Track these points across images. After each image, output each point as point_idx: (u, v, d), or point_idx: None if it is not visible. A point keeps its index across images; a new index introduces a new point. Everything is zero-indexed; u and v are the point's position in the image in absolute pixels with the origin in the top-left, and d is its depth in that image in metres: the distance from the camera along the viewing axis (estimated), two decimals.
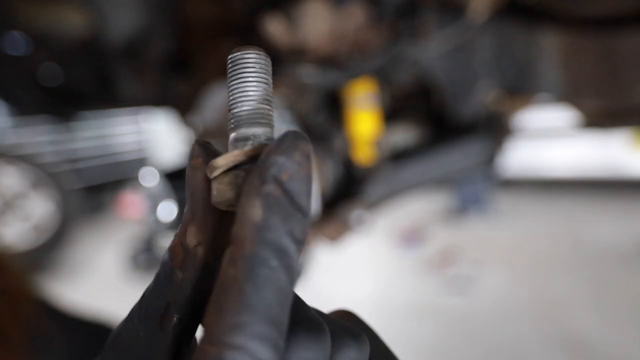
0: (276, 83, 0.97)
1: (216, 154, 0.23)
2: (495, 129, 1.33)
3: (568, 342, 2.17)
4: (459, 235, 3.68)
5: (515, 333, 2.28)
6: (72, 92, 1.48)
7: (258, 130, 0.24)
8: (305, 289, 0.26)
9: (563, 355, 2.08)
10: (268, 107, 0.25)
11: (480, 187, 4.05)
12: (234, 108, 0.25)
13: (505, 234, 3.64)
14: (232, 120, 0.25)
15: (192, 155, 0.23)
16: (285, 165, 0.20)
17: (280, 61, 1.10)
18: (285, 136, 0.21)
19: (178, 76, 1.46)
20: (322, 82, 1.06)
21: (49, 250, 3.51)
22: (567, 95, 1.35)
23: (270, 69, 0.26)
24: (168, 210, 0.81)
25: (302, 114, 1.05)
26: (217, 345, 0.17)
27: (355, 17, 1.06)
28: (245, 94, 0.25)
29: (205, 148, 0.23)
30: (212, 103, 0.94)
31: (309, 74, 1.04)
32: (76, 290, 3.15)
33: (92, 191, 4.83)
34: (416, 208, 4.04)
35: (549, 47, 1.32)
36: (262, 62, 0.26)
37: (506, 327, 2.34)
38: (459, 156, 1.28)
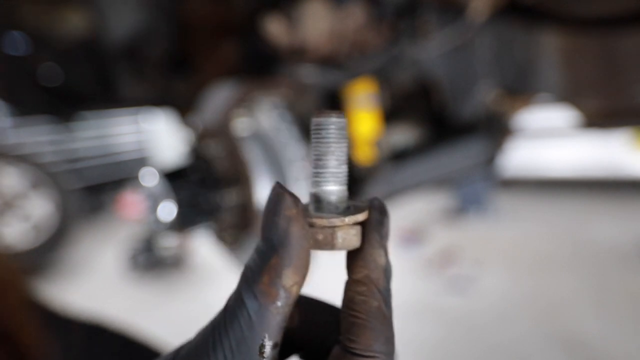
0: (276, 83, 0.97)
1: (297, 199, 0.27)
2: (495, 129, 1.33)
3: (568, 342, 2.17)
4: (459, 235, 3.68)
5: (515, 333, 2.28)
6: (72, 92, 1.48)
7: (336, 188, 0.30)
8: (306, 289, 0.29)
9: (563, 355, 2.08)
10: (342, 166, 0.31)
11: (480, 187, 4.05)
12: (317, 167, 0.30)
13: (505, 234, 3.64)
14: (316, 177, 0.30)
15: (285, 207, 0.26)
16: (386, 224, 0.30)
17: (280, 61, 1.10)
18: (377, 201, 0.31)
19: (178, 76, 1.46)
20: (322, 82, 1.06)
21: (48, 250, 3.51)
22: (567, 95, 1.35)
23: (345, 129, 0.31)
24: (168, 210, 0.81)
25: (302, 114, 1.05)
26: (381, 354, 0.26)
27: (355, 17, 1.06)
28: (328, 156, 0.30)
29: (293, 198, 0.27)
30: (212, 103, 0.94)
31: (309, 74, 1.04)
32: (76, 290, 3.15)
33: (92, 191, 4.83)
34: (416, 208, 4.04)
35: (549, 47, 1.32)
36: (343, 126, 0.30)
37: (506, 327, 2.34)
38: (459, 156, 1.28)
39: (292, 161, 0.90)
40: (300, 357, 0.33)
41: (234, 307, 0.26)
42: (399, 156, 1.22)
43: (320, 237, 0.28)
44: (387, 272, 0.29)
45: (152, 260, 3.33)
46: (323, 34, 1.04)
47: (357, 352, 0.26)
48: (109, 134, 5.43)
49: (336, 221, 0.28)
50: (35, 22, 1.33)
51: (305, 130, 1.02)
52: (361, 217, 0.29)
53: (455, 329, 2.38)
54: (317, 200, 0.30)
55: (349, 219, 0.29)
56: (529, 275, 2.89)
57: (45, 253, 3.49)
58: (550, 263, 3.03)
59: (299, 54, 1.07)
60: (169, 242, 3.36)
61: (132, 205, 4.42)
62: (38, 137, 4.41)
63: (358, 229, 0.29)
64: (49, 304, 0.73)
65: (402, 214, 3.81)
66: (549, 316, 2.40)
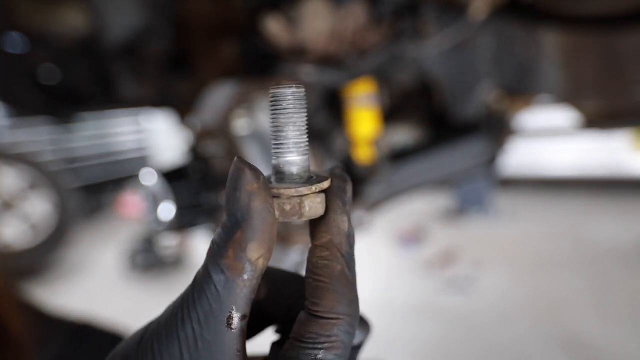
0: (276, 83, 0.97)
1: (258, 173, 0.27)
2: (496, 129, 1.33)
3: (568, 342, 2.17)
4: (459, 235, 3.68)
5: (515, 333, 2.28)
6: (71, 92, 1.47)
7: (298, 159, 0.30)
8: (273, 262, 0.30)
9: (563, 355, 2.08)
10: (304, 137, 0.31)
11: (481, 187, 4.05)
12: (278, 139, 0.30)
13: (505, 234, 3.63)
14: (276, 149, 0.30)
15: (246, 181, 0.26)
16: (348, 191, 0.31)
17: (280, 61, 1.10)
18: (338, 169, 0.32)
19: (178, 76, 1.45)
20: (322, 82, 1.06)
21: (47, 250, 3.50)
22: (568, 96, 1.35)
23: (304, 99, 0.31)
24: (167, 210, 0.81)
25: None
26: (345, 315, 0.27)
27: (356, 17, 1.06)
28: (285, 126, 0.30)
29: (254, 171, 0.27)
30: (212, 103, 0.94)
31: (309, 74, 1.04)
32: (75, 290, 3.15)
33: (92, 191, 4.83)
34: (416, 208, 4.04)
35: (550, 46, 1.32)
36: (299, 94, 0.30)
37: (506, 327, 2.34)
38: (459, 156, 1.28)
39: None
40: (275, 329, 0.33)
41: (202, 282, 0.26)
42: (399, 156, 1.21)
43: (287, 207, 0.28)
44: (350, 237, 0.29)
45: (151, 260, 3.33)
46: (323, 33, 1.04)
47: (321, 314, 0.27)
48: (108, 133, 5.43)
49: (303, 190, 0.28)
50: (34, 21, 1.33)
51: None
52: (326, 184, 0.30)
53: (455, 329, 2.38)
54: (280, 171, 0.31)
55: (315, 187, 0.29)
56: (529, 275, 2.89)
57: (44, 253, 3.49)
58: (550, 263, 3.03)
59: (299, 53, 1.07)
60: (168, 242, 3.36)
61: (131, 205, 4.42)
62: (37, 137, 4.41)
63: (322, 197, 0.30)
64: (38, 304, 0.73)
65: (402, 214, 3.81)
66: (549, 316, 2.40)
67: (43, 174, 3.54)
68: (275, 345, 0.31)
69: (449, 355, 2.20)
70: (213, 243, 0.27)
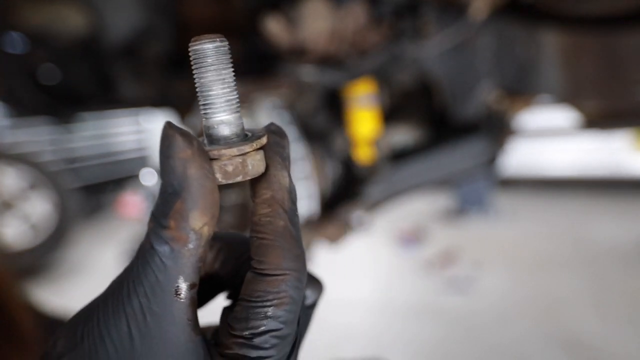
0: (276, 83, 0.97)
1: (190, 137, 0.26)
2: (496, 129, 1.33)
3: (568, 342, 2.17)
4: (459, 235, 3.68)
5: (515, 333, 2.28)
6: (71, 93, 1.47)
7: (230, 117, 0.29)
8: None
9: (563, 355, 2.08)
10: (234, 93, 0.29)
11: (481, 187, 4.05)
12: (204, 98, 0.28)
13: (505, 234, 3.63)
14: (203, 109, 0.29)
15: (178, 148, 0.25)
16: (286, 146, 0.30)
17: (280, 61, 1.10)
18: (274, 125, 0.30)
19: (178, 76, 1.45)
20: (322, 82, 1.06)
21: (47, 250, 3.50)
22: (568, 96, 1.35)
23: (229, 53, 0.28)
24: None
25: (302, 113, 1.04)
26: (291, 270, 0.26)
27: (356, 17, 1.06)
28: (210, 83, 0.28)
29: (186, 137, 0.26)
30: None
31: (309, 74, 1.04)
32: (75, 290, 3.14)
33: (92, 191, 4.82)
34: (416, 208, 4.04)
35: (550, 46, 1.32)
36: (222, 49, 0.28)
37: (506, 327, 2.34)
38: (459, 156, 1.28)
39: (292, 160, 0.89)
40: (226, 295, 0.33)
41: (145, 255, 0.26)
42: (399, 156, 1.21)
43: (230, 168, 0.27)
44: (291, 192, 0.29)
45: None
46: (323, 33, 1.04)
47: (267, 272, 0.26)
48: (108, 133, 5.43)
49: (245, 148, 0.27)
50: (33, 21, 1.32)
51: (306, 130, 1.02)
52: (264, 140, 0.29)
53: (455, 329, 2.38)
54: (212, 132, 0.29)
55: (256, 144, 0.28)
56: (529, 275, 2.89)
57: (44, 253, 3.49)
58: (550, 263, 3.03)
59: (299, 53, 1.07)
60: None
61: (131, 205, 4.42)
62: (37, 137, 4.41)
63: (262, 153, 0.29)
64: (37, 304, 0.73)
65: (402, 214, 3.81)
66: (549, 316, 2.40)
67: (43, 174, 3.54)
68: (226, 310, 0.30)
69: (449, 355, 2.20)
70: (153, 215, 0.26)
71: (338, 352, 2.14)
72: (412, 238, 3.54)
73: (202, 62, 0.28)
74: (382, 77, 1.16)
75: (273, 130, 0.30)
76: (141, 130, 5.77)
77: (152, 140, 5.83)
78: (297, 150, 0.94)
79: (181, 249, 0.25)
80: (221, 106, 0.28)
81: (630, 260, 2.94)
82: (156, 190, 0.82)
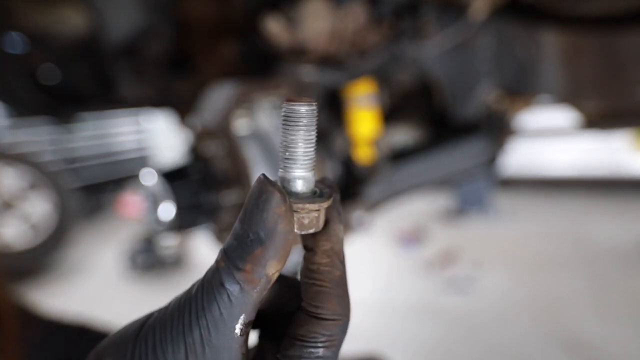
0: (276, 83, 0.97)
1: (284, 195, 0.28)
2: (496, 129, 1.33)
3: (568, 342, 2.17)
4: (459, 235, 3.68)
5: (515, 333, 2.28)
6: (71, 93, 1.47)
7: (304, 174, 0.31)
8: None
9: (563, 355, 2.08)
10: (314, 152, 0.32)
11: (481, 187, 4.05)
12: (288, 154, 0.31)
13: (505, 234, 3.63)
14: (285, 163, 0.31)
15: (274, 204, 0.27)
16: (340, 202, 0.33)
17: (280, 61, 1.09)
18: (328, 181, 0.34)
19: (178, 76, 1.45)
20: (322, 82, 1.06)
21: (47, 250, 3.50)
22: (568, 96, 1.35)
23: (316, 117, 0.31)
24: (167, 210, 0.81)
25: None
26: (343, 316, 0.30)
27: (356, 17, 1.06)
28: (297, 142, 0.31)
29: (282, 194, 0.28)
30: (212, 103, 0.94)
31: (309, 74, 1.04)
32: (75, 291, 3.14)
33: (92, 191, 4.82)
34: (416, 208, 4.04)
35: (550, 46, 1.32)
36: (312, 112, 0.31)
37: (506, 327, 2.34)
38: (460, 156, 1.28)
39: None
40: (259, 328, 0.35)
41: (213, 290, 0.27)
42: (399, 156, 1.21)
43: (306, 221, 0.30)
44: (343, 245, 0.32)
45: (151, 260, 3.33)
46: (323, 33, 1.04)
47: (324, 316, 0.29)
48: (108, 133, 5.43)
49: (323, 204, 0.30)
50: (33, 21, 1.32)
51: None
52: (334, 198, 0.32)
53: (455, 329, 2.38)
54: (287, 184, 0.32)
55: (329, 202, 0.31)
56: (529, 275, 2.89)
57: (44, 253, 3.49)
58: (550, 263, 3.03)
59: (299, 53, 1.07)
60: (168, 242, 3.36)
61: (131, 205, 4.42)
62: (37, 137, 4.41)
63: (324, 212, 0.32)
64: (33, 306, 0.73)
65: (402, 214, 3.81)
66: (549, 316, 2.40)
67: (43, 174, 3.54)
68: (268, 344, 0.33)
69: (449, 355, 2.20)
70: (227, 254, 0.28)
71: None
72: (412, 238, 3.54)
73: (294, 122, 0.30)
74: (382, 77, 1.16)
75: (328, 186, 0.33)
76: (141, 130, 5.77)
77: (152, 140, 5.83)
78: None
79: (250, 291, 0.27)
80: (302, 164, 0.31)
81: (630, 260, 2.94)
82: (156, 190, 0.82)
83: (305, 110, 0.30)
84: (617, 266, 2.88)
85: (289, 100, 0.30)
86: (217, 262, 0.28)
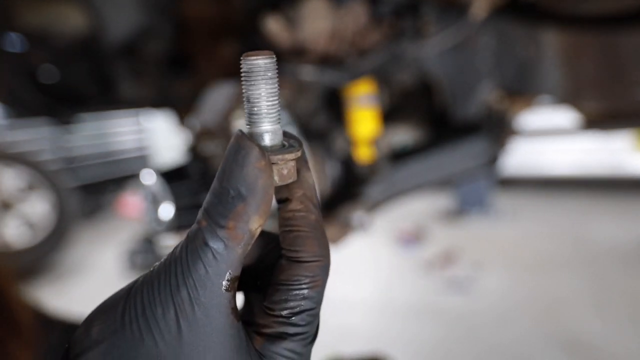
0: (246, 54, 0.97)
1: (263, 151, 0.29)
2: (496, 129, 1.33)
3: (568, 342, 2.17)
4: (459, 235, 3.68)
5: (515, 333, 2.28)
6: (71, 93, 1.47)
7: (272, 127, 0.31)
8: None
9: (563, 355, 2.08)
10: (278, 106, 0.32)
11: (481, 187, 4.05)
12: (252, 108, 0.31)
13: (506, 234, 3.63)
14: (250, 119, 0.32)
15: (254, 159, 0.28)
16: (307, 151, 0.32)
17: (281, 61, 1.09)
18: (289, 132, 0.33)
19: (178, 76, 1.45)
20: (322, 82, 1.05)
21: (46, 250, 3.50)
22: (568, 96, 1.35)
23: (276, 69, 0.32)
24: (167, 210, 0.81)
25: (302, 113, 1.04)
26: (323, 257, 0.31)
27: (356, 17, 1.06)
28: (260, 96, 0.31)
29: (260, 149, 0.28)
30: (211, 103, 0.93)
31: (309, 74, 1.04)
32: (74, 291, 3.14)
33: (92, 191, 4.82)
34: (416, 208, 4.04)
35: (550, 46, 1.32)
36: (272, 65, 0.31)
37: (506, 327, 2.34)
38: (460, 156, 1.28)
39: None
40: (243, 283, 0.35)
41: (197, 249, 0.27)
42: (399, 156, 1.21)
43: (284, 171, 0.31)
44: (315, 191, 0.33)
45: (151, 260, 3.33)
46: (323, 33, 1.04)
47: (304, 259, 0.30)
48: (107, 133, 5.43)
49: (298, 154, 0.32)
50: (33, 21, 1.32)
51: (306, 130, 1.02)
52: (300, 153, 0.33)
53: (455, 329, 2.38)
54: (257, 139, 0.32)
55: (300, 152, 0.32)
56: (529, 275, 2.89)
57: (43, 253, 3.48)
58: (550, 263, 3.03)
59: (299, 53, 1.06)
60: (168, 242, 3.35)
61: (131, 205, 4.42)
62: (36, 137, 4.41)
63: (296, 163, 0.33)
64: (35, 304, 0.73)
65: (402, 214, 3.81)
66: (549, 316, 2.40)
67: (42, 174, 3.54)
68: (254, 294, 0.34)
69: (449, 355, 2.20)
70: (208, 212, 0.28)
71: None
72: (412, 238, 3.54)
73: (253, 76, 0.31)
74: (382, 77, 1.15)
75: (292, 137, 0.34)
76: (141, 130, 5.77)
77: (152, 140, 5.83)
78: None
79: (235, 247, 0.27)
80: (267, 117, 0.31)
81: (630, 260, 2.94)
82: (156, 190, 0.82)
83: (265, 63, 0.31)
84: (617, 266, 2.88)
85: (246, 55, 0.31)
86: (198, 221, 0.28)
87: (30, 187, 3.47)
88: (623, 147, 4.48)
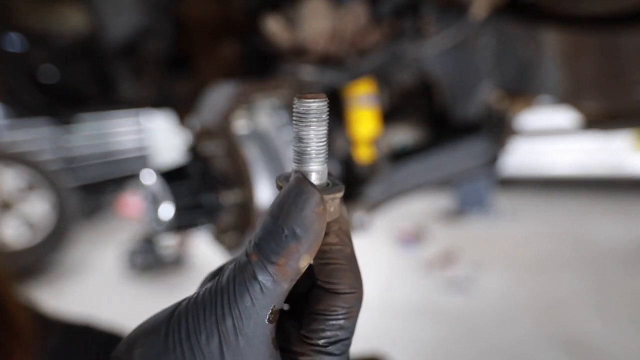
0: (276, 83, 0.97)
1: (322, 196, 0.30)
2: (497, 129, 1.33)
3: (568, 341, 2.17)
4: (459, 235, 3.68)
5: (515, 333, 2.28)
6: (71, 93, 1.47)
7: (319, 167, 0.33)
8: None
9: (563, 355, 2.08)
10: (326, 147, 0.33)
11: (481, 187, 4.05)
12: (303, 148, 0.32)
13: (506, 234, 3.63)
14: (300, 158, 0.32)
15: (315, 204, 0.29)
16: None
17: (280, 61, 1.09)
18: (330, 173, 0.35)
19: (178, 76, 1.45)
20: (322, 82, 1.05)
21: (46, 250, 3.50)
22: (568, 96, 1.35)
23: (328, 111, 0.33)
24: (167, 210, 0.81)
25: None
26: (358, 288, 0.32)
27: (356, 17, 1.06)
28: (311, 138, 0.32)
29: (320, 196, 0.30)
30: (212, 103, 0.93)
31: (309, 74, 1.04)
32: (74, 291, 3.14)
33: (92, 191, 4.82)
34: (416, 208, 4.04)
35: (550, 46, 1.32)
36: (324, 108, 0.32)
37: (506, 327, 2.34)
38: (460, 156, 1.28)
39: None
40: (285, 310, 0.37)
41: (245, 282, 0.28)
42: (399, 156, 1.21)
43: (332, 209, 0.32)
44: (349, 223, 0.34)
45: (151, 260, 3.33)
46: (323, 33, 1.04)
47: (342, 291, 0.31)
48: (107, 133, 5.43)
49: (341, 193, 0.33)
50: (33, 21, 1.32)
51: None
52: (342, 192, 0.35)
53: (455, 329, 2.38)
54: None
55: (343, 190, 0.33)
56: (529, 275, 2.89)
57: (43, 253, 3.48)
58: (550, 263, 3.03)
59: (299, 53, 1.06)
60: (168, 242, 3.35)
61: (131, 205, 4.42)
62: (36, 137, 4.41)
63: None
64: (35, 304, 0.73)
65: (402, 214, 3.81)
66: (549, 316, 2.40)
67: (42, 174, 3.54)
68: (290, 322, 0.34)
69: (449, 355, 2.20)
70: (258, 248, 0.29)
71: None
72: (412, 238, 3.54)
73: (306, 118, 0.32)
74: (382, 77, 1.15)
75: (330, 174, 0.36)
76: (141, 130, 5.77)
77: (152, 140, 5.83)
78: None
79: (282, 282, 0.29)
80: (316, 157, 0.32)
81: (630, 260, 2.94)
82: (156, 190, 0.82)
83: (318, 107, 0.32)
84: (617, 266, 2.88)
85: (301, 97, 0.32)
86: (248, 254, 0.29)
87: (30, 187, 3.47)
88: (623, 147, 4.48)
